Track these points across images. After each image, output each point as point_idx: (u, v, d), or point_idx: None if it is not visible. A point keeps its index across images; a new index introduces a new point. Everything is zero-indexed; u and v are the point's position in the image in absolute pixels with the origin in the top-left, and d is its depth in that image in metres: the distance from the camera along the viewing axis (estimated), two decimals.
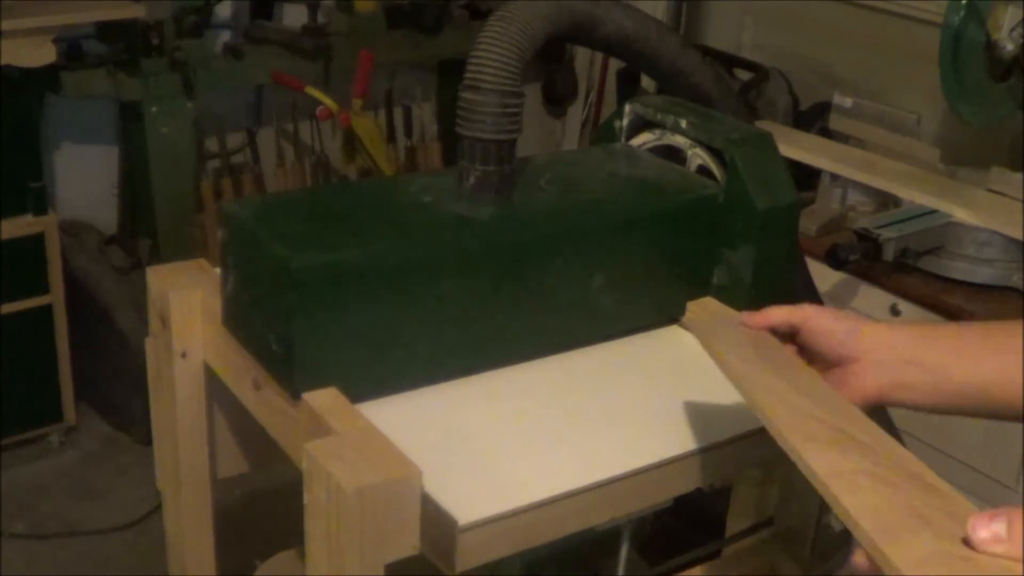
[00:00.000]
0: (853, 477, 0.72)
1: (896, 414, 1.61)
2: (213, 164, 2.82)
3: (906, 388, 0.88)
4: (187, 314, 1.12)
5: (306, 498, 0.88)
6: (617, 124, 1.29)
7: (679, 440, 0.99)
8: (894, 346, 0.89)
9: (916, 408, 0.90)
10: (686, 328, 1.15)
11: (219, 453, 1.22)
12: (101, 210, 2.80)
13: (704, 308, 1.19)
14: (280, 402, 1.00)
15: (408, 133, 3.08)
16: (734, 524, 1.37)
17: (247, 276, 1.03)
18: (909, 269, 1.87)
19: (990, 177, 1.97)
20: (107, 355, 2.56)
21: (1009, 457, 1.75)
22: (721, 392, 0.95)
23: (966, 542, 0.61)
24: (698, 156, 1.21)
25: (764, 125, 2.10)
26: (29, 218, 2.37)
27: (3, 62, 2.19)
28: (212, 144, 2.81)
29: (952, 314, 1.79)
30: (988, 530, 0.60)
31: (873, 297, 1.88)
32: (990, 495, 1.73)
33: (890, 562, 0.61)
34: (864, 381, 0.89)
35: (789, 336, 0.95)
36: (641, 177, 1.21)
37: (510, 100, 1.07)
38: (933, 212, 1.90)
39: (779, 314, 0.94)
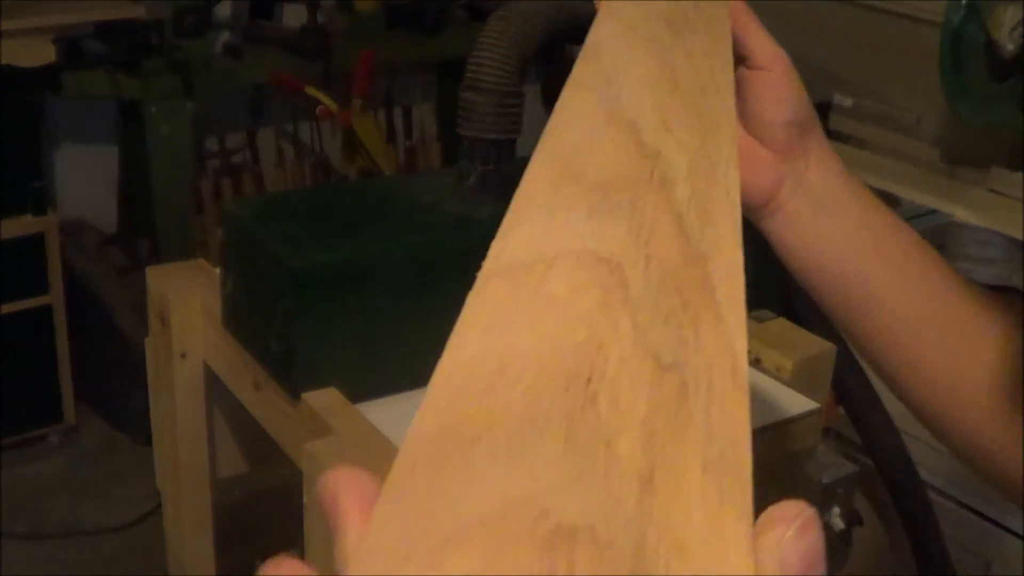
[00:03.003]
0: (544, 268, 0.37)
1: (896, 412, 1.61)
2: (213, 164, 2.82)
3: (795, 220, 0.67)
4: (187, 314, 1.12)
5: (306, 498, 0.88)
6: None
7: None
8: (826, 178, 0.68)
9: (782, 247, 0.69)
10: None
11: (219, 453, 1.22)
12: (101, 210, 2.80)
13: None
14: (280, 402, 1.00)
15: (408, 133, 3.08)
16: None
17: (247, 276, 1.03)
18: None
19: (990, 177, 1.97)
20: (107, 355, 2.56)
21: None
22: None
23: None
24: None
25: None
26: (29, 218, 2.37)
27: (3, 62, 2.19)
28: (212, 144, 2.81)
29: None
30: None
31: None
32: (991, 493, 1.73)
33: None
34: (768, 172, 0.68)
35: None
36: None
37: (510, 100, 1.07)
38: (933, 212, 1.90)
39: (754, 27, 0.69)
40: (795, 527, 0.27)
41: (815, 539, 0.27)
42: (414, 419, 0.30)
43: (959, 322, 0.67)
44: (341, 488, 0.30)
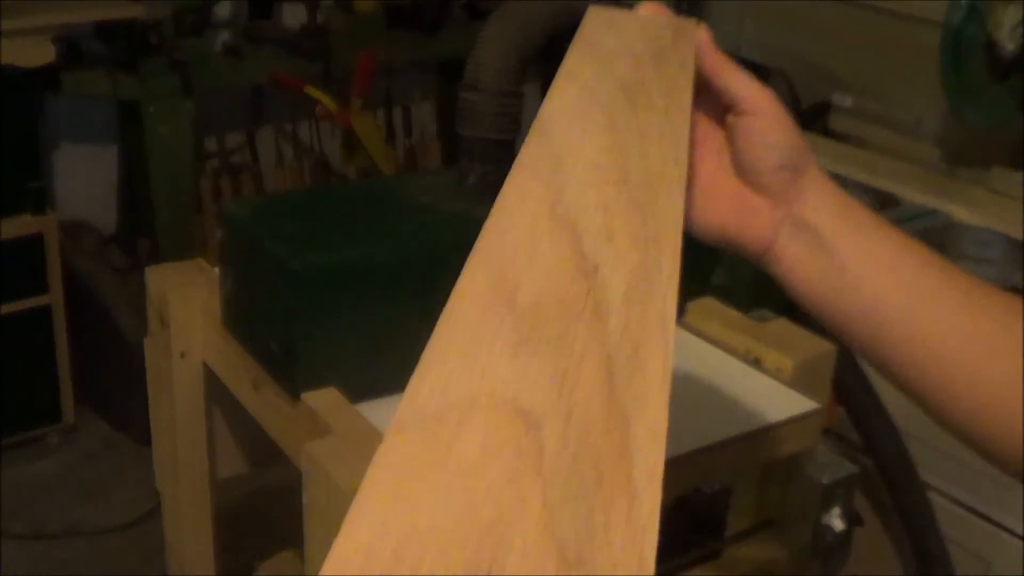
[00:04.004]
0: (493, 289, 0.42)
1: (896, 414, 1.61)
2: (212, 164, 2.82)
3: (799, 264, 0.67)
4: (186, 314, 1.12)
5: (305, 498, 0.88)
6: None
7: (678, 440, 0.99)
8: (824, 216, 0.67)
9: (793, 291, 0.69)
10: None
11: (219, 453, 1.22)
12: (101, 210, 2.80)
13: (703, 308, 1.19)
14: (280, 402, 1.00)
15: (408, 133, 3.08)
16: (734, 524, 1.37)
17: (247, 276, 1.03)
18: None
19: (990, 177, 1.97)
20: (107, 355, 2.56)
21: None
22: (720, 392, 0.95)
23: None
24: None
25: None
26: (28, 218, 2.36)
27: (3, 62, 2.19)
28: (212, 144, 2.81)
29: None
30: None
31: None
32: (991, 492, 1.73)
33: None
34: (764, 220, 0.67)
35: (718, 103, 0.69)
36: None
37: (510, 100, 1.07)
38: (933, 212, 1.90)
39: (728, 70, 0.67)
40: None
41: None
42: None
43: (983, 333, 0.64)
44: None
